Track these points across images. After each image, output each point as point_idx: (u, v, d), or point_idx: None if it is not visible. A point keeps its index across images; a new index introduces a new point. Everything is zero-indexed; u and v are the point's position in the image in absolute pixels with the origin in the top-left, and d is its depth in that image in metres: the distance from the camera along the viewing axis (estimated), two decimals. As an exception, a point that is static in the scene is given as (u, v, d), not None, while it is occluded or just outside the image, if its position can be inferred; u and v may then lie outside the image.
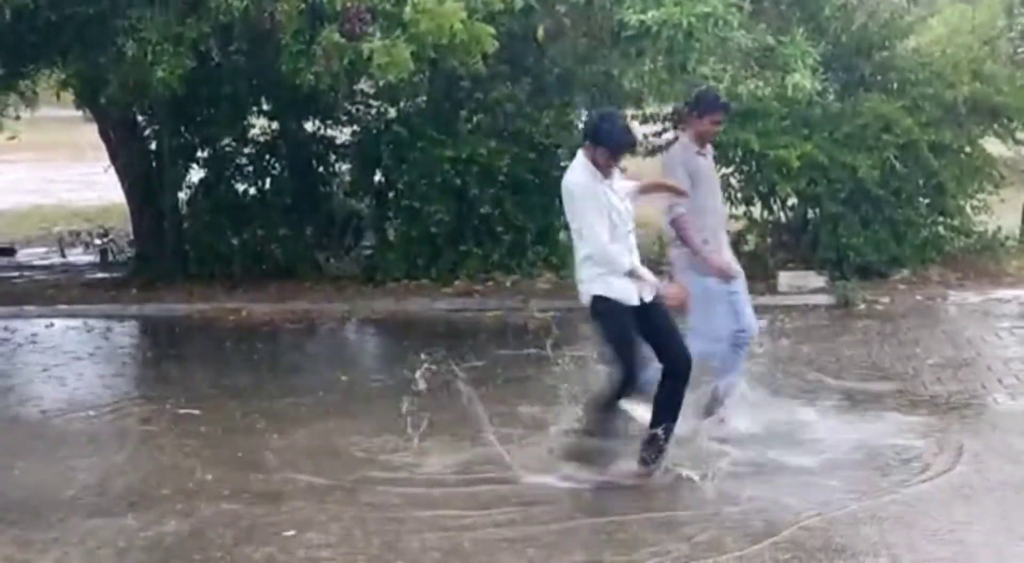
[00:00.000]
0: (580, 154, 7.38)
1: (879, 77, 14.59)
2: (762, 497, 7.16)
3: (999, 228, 14.52)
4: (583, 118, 16.20)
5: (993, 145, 14.97)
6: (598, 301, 7.41)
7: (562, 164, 14.67)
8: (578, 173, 7.31)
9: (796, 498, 7.14)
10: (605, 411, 7.51)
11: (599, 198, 7.23)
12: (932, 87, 14.08)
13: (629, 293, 7.33)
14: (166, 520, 7.02)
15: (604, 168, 7.22)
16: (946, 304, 12.78)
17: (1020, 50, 15.92)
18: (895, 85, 14.55)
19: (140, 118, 15.26)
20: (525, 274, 14.28)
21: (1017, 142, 15.15)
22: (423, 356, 11.00)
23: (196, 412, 9.34)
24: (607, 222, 7.25)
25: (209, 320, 12.95)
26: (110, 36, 11.77)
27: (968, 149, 14.26)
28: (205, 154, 15.27)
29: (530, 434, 8.49)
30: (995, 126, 14.57)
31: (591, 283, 7.44)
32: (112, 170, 15.76)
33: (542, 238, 14.70)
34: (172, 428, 8.95)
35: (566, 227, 14.82)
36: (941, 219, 14.38)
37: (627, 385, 7.38)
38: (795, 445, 8.09)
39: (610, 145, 7.22)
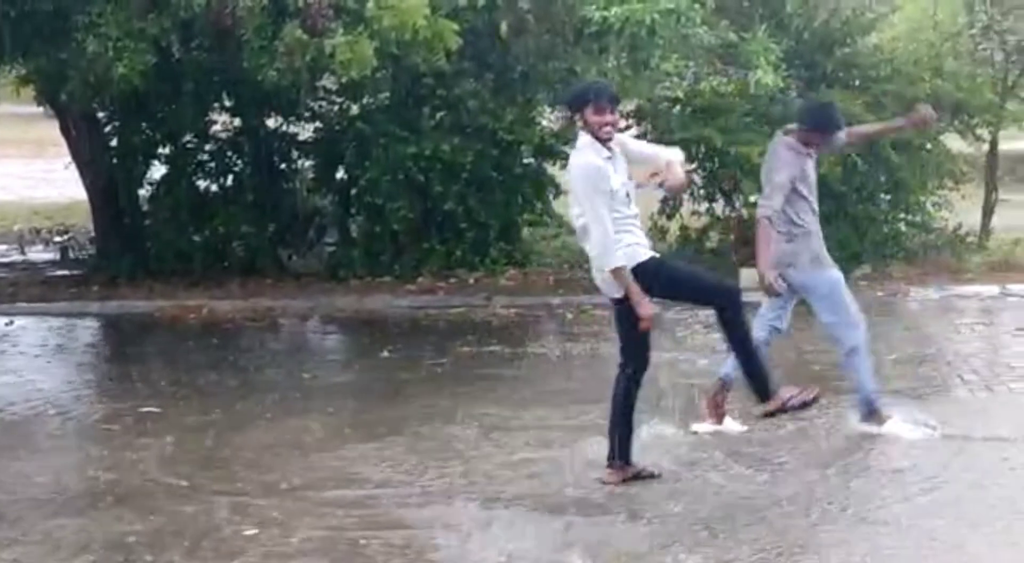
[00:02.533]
0: (583, 136, 7.14)
1: (841, 74, 14.66)
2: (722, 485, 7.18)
3: (960, 224, 14.61)
4: (546, 115, 16.25)
5: (954, 142, 15.05)
6: (639, 270, 7.08)
7: (525, 161, 14.77)
8: (583, 153, 7.09)
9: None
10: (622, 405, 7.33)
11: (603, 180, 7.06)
12: (893, 84, 14.15)
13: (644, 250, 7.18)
14: (127, 519, 6.96)
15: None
16: (907, 300, 12.85)
17: (981, 47, 15.98)
18: (857, 82, 14.63)
19: (101, 114, 15.16)
20: (488, 271, 14.27)
21: (978, 139, 15.26)
22: (386, 353, 11.06)
23: (157, 410, 9.28)
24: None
25: (170, 318, 12.88)
26: (70, 32, 11.70)
27: (929, 146, 14.35)
28: (167, 151, 15.20)
29: (490, 432, 8.48)
30: (956, 123, 14.67)
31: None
32: (73, 167, 15.67)
33: (505, 235, 14.71)
34: (133, 426, 8.88)
35: (529, 224, 15.12)
36: (902, 216, 14.46)
37: (640, 371, 7.27)
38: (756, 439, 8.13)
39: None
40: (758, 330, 8.24)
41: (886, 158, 13.79)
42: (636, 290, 7.05)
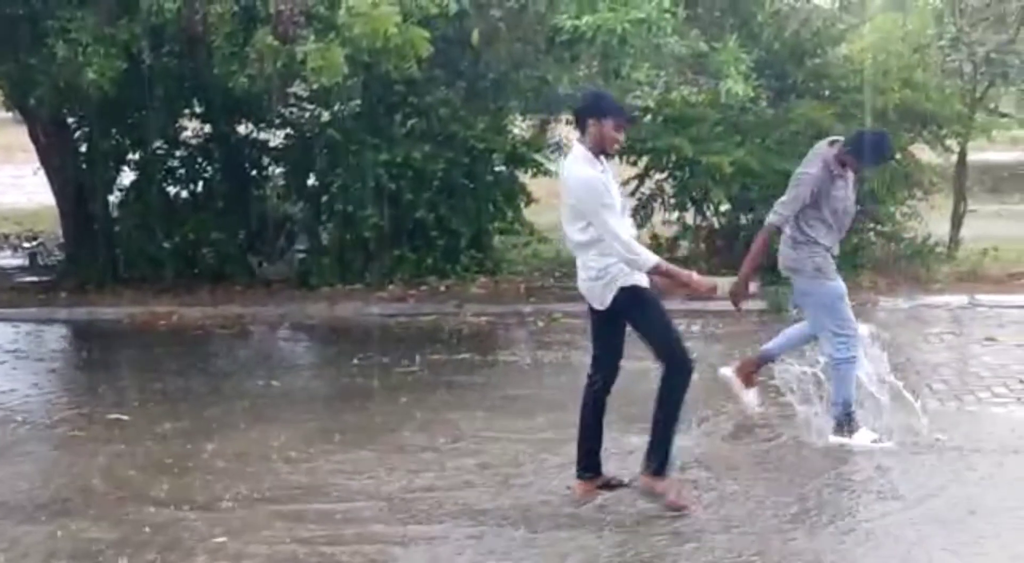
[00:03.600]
0: (579, 148, 7.09)
1: (811, 84, 14.72)
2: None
3: (929, 235, 14.66)
4: (517, 123, 16.27)
5: (923, 152, 15.13)
6: (630, 293, 7.01)
7: (496, 169, 14.77)
8: (585, 167, 7.00)
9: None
10: (676, 410, 7.13)
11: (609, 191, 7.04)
12: (863, 94, 14.19)
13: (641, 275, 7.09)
14: (94, 527, 6.94)
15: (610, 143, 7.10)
16: (876, 310, 12.88)
17: (950, 59, 16.06)
18: (827, 92, 14.69)
19: (70, 120, 15.08)
20: (459, 279, 14.26)
21: (946, 149, 15.33)
22: (356, 361, 11.04)
23: (126, 417, 9.25)
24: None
25: (140, 324, 12.83)
26: (40, 37, 11.65)
27: (898, 156, 14.40)
28: (136, 157, 15.14)
29: (461, 441, 8.47)
30: (925, 133, 14.73)
31: (615, 280, 7.02)
32: (42, 172, 15.59)
33: (476, 243, 14.70)
34: (101, 433, 8.85)
35: (500, 232, 15.11)
36: (872, 225, 14.50)
37: (685, 373, 7.06)
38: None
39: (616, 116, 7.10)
40: (781, 343, 8.72)
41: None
42: (681, 272, 7.12)
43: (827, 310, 8.31)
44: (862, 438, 8.23)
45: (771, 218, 8.37)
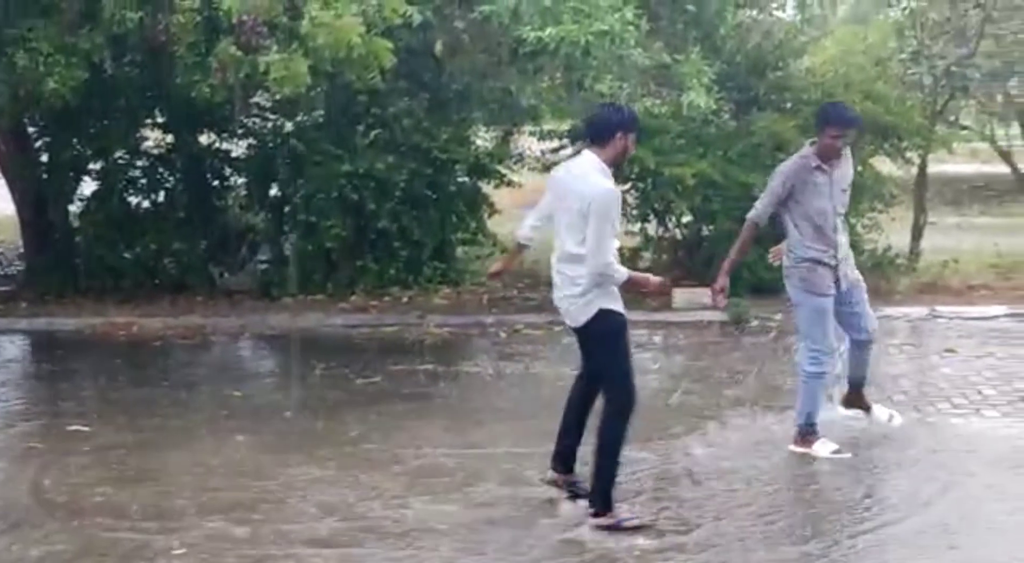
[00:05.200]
0: (594, 158, 7.02)
1: (773, 96, 14.80)
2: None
3: (889, 246, 14.75)
4: (480, 134, 16.28)
5: (884, 165, 15.22)
6: (607, 316, 7.00)
7: (459, 180, 14.77)
8: (605, 178, 6.98)
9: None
10: (616, 446, 7.05)
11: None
12: (824, 107, 14.27)
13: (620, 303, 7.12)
14: (53, 539, 6.89)
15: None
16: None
17: (911, 72, 16.18)
18: (789, 104, 14.77)
19: (31, 129, 15.00)
20: (422, 289, 14.26)
21: (907, 161, 15.44)
22: (318, 372, 11.01)
23: (85, 429, 9.19)
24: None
25: (100, 335, 12.75)
26: (0, 46, 11.57)
27: (859, 168, 14.46)
28: (98, 166, 15.06)
29: (422, 452, 8.46)
30: (885, 145, 14.82)
31: (599, 298, 6.99)
32: (2, 181, 15.49)
33: (439, 253, 14.70)
34: (60, 445, 8.78)
35: (463, 242, 15.11)
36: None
37: (628, 412, 7.04)
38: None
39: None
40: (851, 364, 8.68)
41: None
42: (642, 277, 7.28)
43: (807, 323, 8.35)
44: (823, 449, 8.28)
45: (749, 213, 8.44)
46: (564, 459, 7.39)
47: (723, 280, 8.37)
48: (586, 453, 7.23)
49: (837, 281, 8.28)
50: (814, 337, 8.32)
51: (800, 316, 8.43)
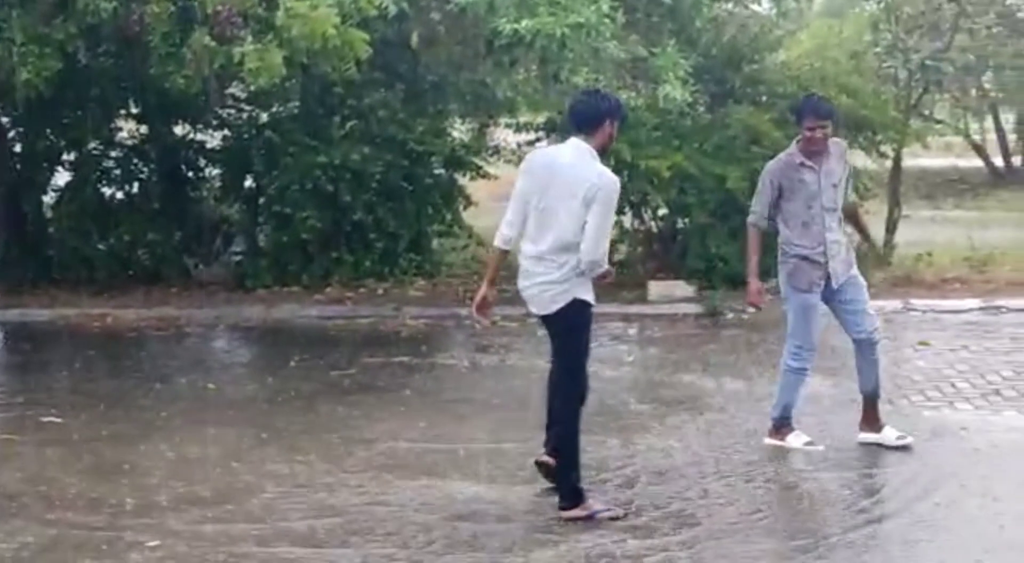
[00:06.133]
0: (585, 146, 6.95)
1: (748, 89, 14.81)
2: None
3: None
4: (457, 126, 16.27)
5: (858, 158, 15.24)
6: (581, 307, 6.97)
7: (435, 172, 14.75)
8: (604, 167, 6.98)
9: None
10: (573, 437, 7.07)
11: None
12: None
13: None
14: (26, 531, 6.85)
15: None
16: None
17: (886, 65, 16.23)
18: (764, 97, 14.79)
19: (4, 120, 14.92)
20: (397, 281, 14.24)
21: (881, 155, 15.48)
22: (293, 364, 10.99)
23: (59, 420, 9.15)
24: None
25: (73, 326, 12.70)
26: (-27, 36, 11.51)
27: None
28: (71, 157, 15.01)
29: (399, 444, 8.46)
30: (860, 139, 14.84)
31: (576, 287, 6.95)
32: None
33: (415, 245, 14.69)
34: (33, 436, 8.75)
35: (439, 235, 15.10)
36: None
37: (579, 399, 7.09)
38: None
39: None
40: (864, 375, 8.46)
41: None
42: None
43: (793, 318, 8.33)
44: (795, 441, 8.30)
45: (748, 218, 8.43)
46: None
47: (755, 282, 8.36)
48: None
49: (828, 279, 8.22)
50: (798, 333, 8.31)
51: (788, 311, 8.41)
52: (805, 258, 8.21)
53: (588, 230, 6.80)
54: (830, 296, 8.31)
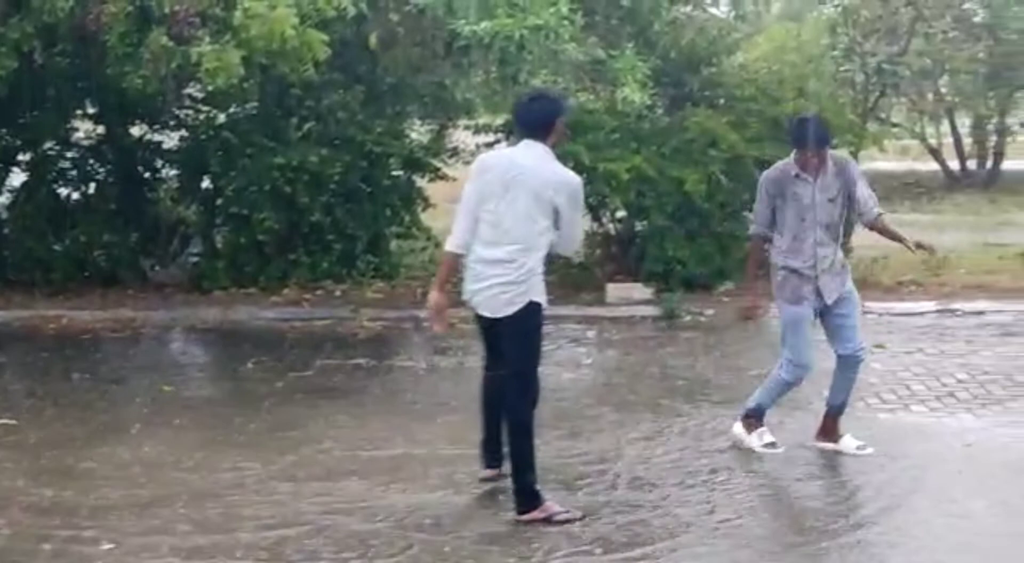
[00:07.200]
0: (542, 146, 7.02)
1: (706, 92, 14.85)
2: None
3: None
4: (415, 127, 16.24)
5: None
6: (535, 310, 6.98)
7: (393, 173, 14.72)
8: (564, 167, 7.17)
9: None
10: (530, 438, 7.06)
11: None
12: (758, 103, 14.36)
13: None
14: (-21, 535, 6.81)
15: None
16: (769, 317, 13.01)
17: (843, 69, 16.34)
18: (722, 101, 14.82)
19: (-41, 120, 14.82)
20: (355, 283, 14.21)
21: (838, 158, 15.54)
22: (250, 366, 10.95)
23: (12, 422, 9.08)
24: None
25: (28, 328, 12.61)
26: (-73, 35, 11.42)
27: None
28: (27, 157, 14.89)
29: (356, 447, 8.44)
30: (818, 143, 14.89)
31: (532, 289, 6.97)
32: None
33: (373, 247, 14.65)
34: (-13, 439, 8.69)
35: (397, 236, 15.07)
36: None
37: (536, 400, 7.09)
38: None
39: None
40: (835, 389, 8.43)
41: (750, 176, 13.98)
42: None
43: (784, 330, 8.31)
44: (757, 440, 8.30)
45: (750, 230, 8.54)
46: (497, 454, 7.38)
47: (750, 295, 8.52)
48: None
49: (819, 293, 8.16)
50: (791, 346, 8.25)
51: (781, 323, 8.37)
52: (794, 271, 8.15)
53: (564, 227, 6.99)
54: (824, 311, 8.24)
